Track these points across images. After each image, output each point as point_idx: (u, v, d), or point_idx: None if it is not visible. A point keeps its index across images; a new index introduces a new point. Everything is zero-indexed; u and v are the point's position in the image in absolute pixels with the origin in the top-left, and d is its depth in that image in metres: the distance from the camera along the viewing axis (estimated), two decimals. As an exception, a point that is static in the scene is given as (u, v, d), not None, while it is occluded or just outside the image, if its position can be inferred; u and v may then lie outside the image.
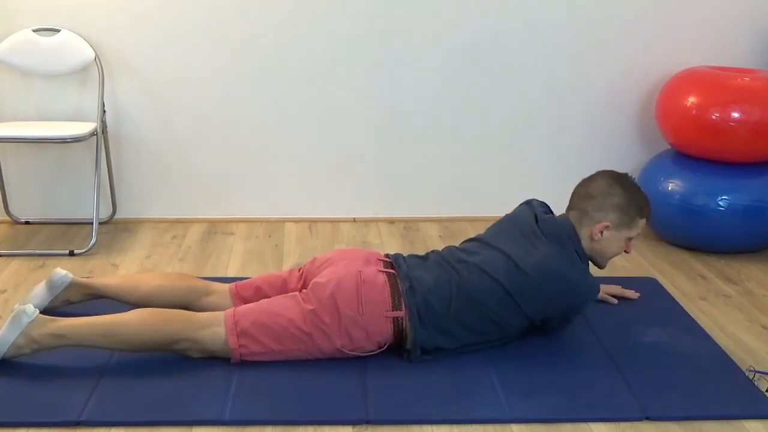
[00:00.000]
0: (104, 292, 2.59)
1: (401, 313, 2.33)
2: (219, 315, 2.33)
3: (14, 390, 2.20)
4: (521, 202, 2.67)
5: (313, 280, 2.39)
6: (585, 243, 2.47)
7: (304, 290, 2.40)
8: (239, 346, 2.29)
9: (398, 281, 2.38)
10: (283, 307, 2.33)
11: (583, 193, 2.51)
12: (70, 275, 2.60)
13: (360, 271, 2.37)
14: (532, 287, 2.35)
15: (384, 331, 2.34)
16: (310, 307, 2.31)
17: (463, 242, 2.63)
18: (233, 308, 2.36)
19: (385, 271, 2.41)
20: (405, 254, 2.55)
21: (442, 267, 2.44)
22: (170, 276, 2.67)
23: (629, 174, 2.55)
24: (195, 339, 2.30)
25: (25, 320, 2.23)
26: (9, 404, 2.14)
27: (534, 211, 2.54)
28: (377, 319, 2.32)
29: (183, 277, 2.65)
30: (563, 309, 2.44)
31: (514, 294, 2.35)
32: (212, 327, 2.30)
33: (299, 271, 2.58)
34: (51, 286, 2.59)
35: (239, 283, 2.59)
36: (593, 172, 3.68)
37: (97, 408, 2.13)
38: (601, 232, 2.45)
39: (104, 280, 2.65)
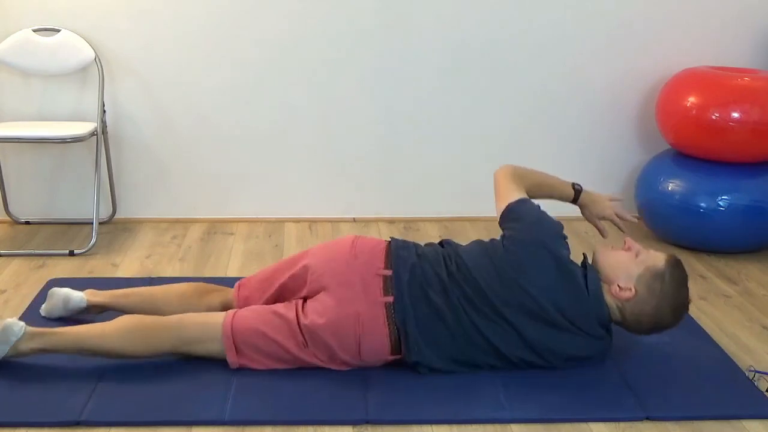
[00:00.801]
0: (123, 311, 2.52)
1: (401, 355, 2.29)
2: (214, 329, 2.28)
3: (14, 390, 2.20)
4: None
5: (309, 328, 2.24)
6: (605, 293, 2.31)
7: (300, 319, 2.26)
8: (239, 364, 2.28)
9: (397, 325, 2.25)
10: (280, 333, 2.26)
11: None
12: (85, 300, 2.56)
13: (359, 315, 2.24)
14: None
15: (383, 363, 2.32)
16: (305, 348, 2.27)
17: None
18: (230, 323, 2.28)
19: (385, 304, 2.26)
20: (413, 254, 2.36)
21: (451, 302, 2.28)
22: (187, 296, 2.54)
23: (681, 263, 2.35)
24: (192, 352, 2.30)
25: (12, 339, 2.23)
26: (9, 404, 2.14)
27: None
28: (376, 360, 2.30)
29: (201, 295, 2.53)
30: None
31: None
32: (206, 342, 2.29)
33: (298, 268, 2.46)
34: (66, 307, 2.57)
35: (242, 285, 2.52)
36: (593, 172, 3.71)
37: (97, 408, 2.13)
38: (619, 288, 2.29)
39: (123, 300, 2.56)
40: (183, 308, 2.46)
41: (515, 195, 2.42)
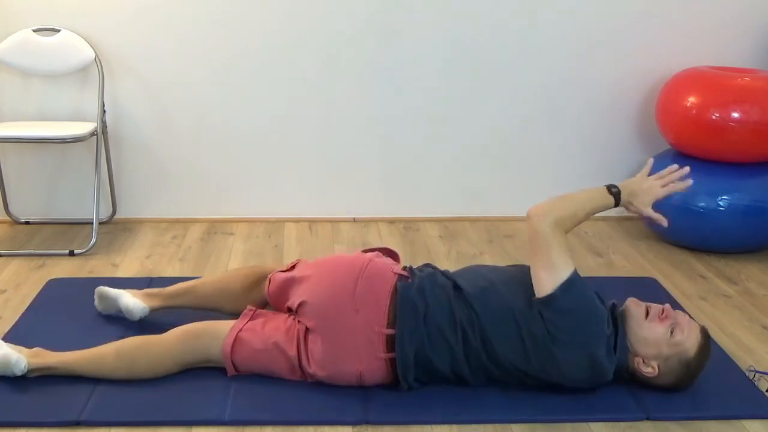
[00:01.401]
0: (177, 306, 2.58)
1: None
2: (214, 354, 2.26)
3: (14, 390, 2.20)
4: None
5: (310, 372, 2.21)
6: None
7: (300, 354, 2.22)
8: (236, 373, 2.29)
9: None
10: (281, 368, 2.25)
11: None
12: (147, 308, 2.54)
13: (360, 372, 2.19)
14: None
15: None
16: (308, 381, 2.26)
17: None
18: (229, 349, 2.24)
19: (387, 359, 2.19)
20: (422, 312, 2.20)
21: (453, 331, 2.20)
22: (238, 293, 2.53)
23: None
24: (191, 368, 2.30)
25: (17, 373, 2.23)
26: (9, 404, 2.14)
27: None
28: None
29: (251, 291, 2.52)
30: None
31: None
32: (208, 363, 2.29)
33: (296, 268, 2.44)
34: (130, 316, 2.55)
35: (273, 279, 2.45)
36: (593, 172, 3.71)
37: (97, 408, 2.13)
38: (643, 362, 2.22)
39: (176, 302, 2.57)
40: (235, 306, 2.48)
41: (562, 270, 2.15)
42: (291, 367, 2.25)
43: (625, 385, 2.28)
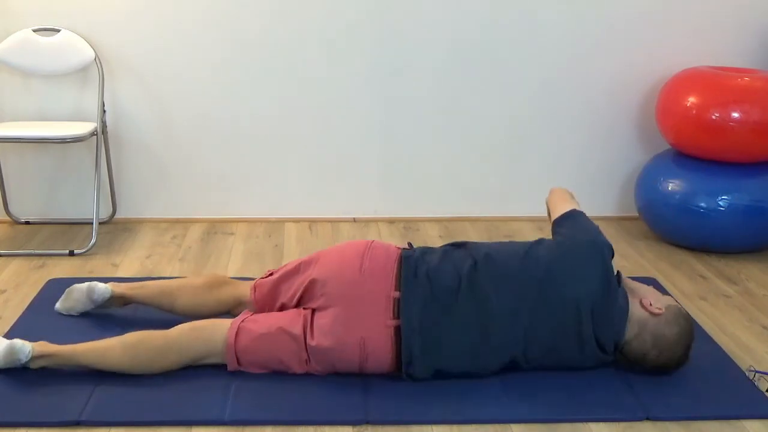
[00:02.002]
0: (143, 302, 2.60)
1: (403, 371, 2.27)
2: (218, 345, 2.28)
3: (14, 390, 2.20)
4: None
5: (314, 348, 2.23)
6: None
7: (306, 334, 2.25)
8: (237, 368, 2.29)
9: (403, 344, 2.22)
10: (285, 350, 2.26)
11: None
12: (110, 289, 2.59)
13: (364, 340, 2.21)
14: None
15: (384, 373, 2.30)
16: (307, 364, 2.27)
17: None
18: (233, 338, 2.26)
19: (393, 327, 2.22)
20: (424, 272, 2.28)
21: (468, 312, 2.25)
22: (200, 289, 2.56)
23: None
24: (193, 364, 2.30)
25: (23, 359, 2.25)
26: (9, 404, 2.14)
27: None
28: (378, 372, 2.29)
29: (212, 289, 2.56)
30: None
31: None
32: (210, 357, 2.30)
33: (308, 274, 2.42)
34: (91, 299, 2.59)
35: (258, 286, 2.50)
36: (593, 171, 3.72)
37: (97, 408, 2.13)
38: (650, 303, 2.33)
39: (141, 291, 2.60)
40: (195, 301, 2.52)
41: (574, 205, 2.52)
42: (296, 350, 2.25)
43: (625, 384, 2.29)
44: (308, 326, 2.26)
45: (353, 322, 2.22)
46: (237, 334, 2.27)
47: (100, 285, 2.60)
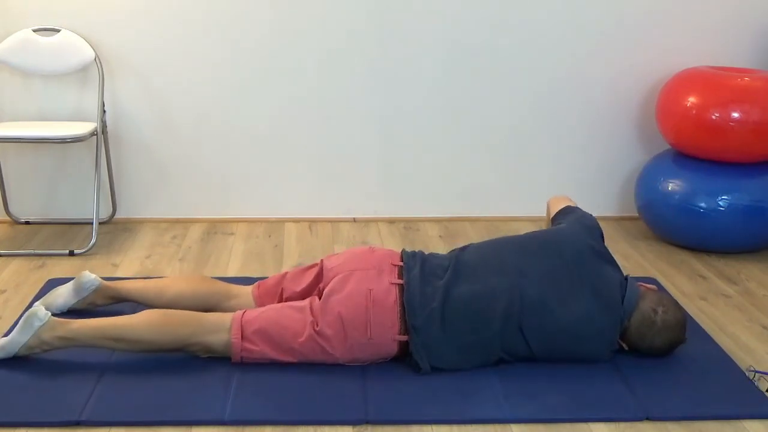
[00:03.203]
0: (129, 297, 2.61)
1: (408, 337, 2.30)
2: (227, 319, 2.33)
3: (14, 390, 2.20)
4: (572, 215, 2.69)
5: (322, 299, 2.33)
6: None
7: (313, 305, 2.34)
8: (242, 350, 2.30)
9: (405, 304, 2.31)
10: (291, 319, 2.32)
11: None
12: (99, 279, 2.61)
13: (370, 290, 2.31)
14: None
15: (389, 351, 2.33)
16: (316, 328, 2.29)
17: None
18: (241, 313, 2.35)
19: (398, 284, 2.34)
20: (426, 255, 2.49)
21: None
22: (192, 280, 2.65)
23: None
24: (203, 343, 2.31)
25: (37, 324, 2.26)
26: (9, 404, 2.14)
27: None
28: (384, 341, 2.30)
29: (205, 281, 2.64)
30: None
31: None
32: (220, 332, 2.31)
33: (318, 267, 2.52)
34: (78, 289, 2.60)
35: (261, 283, 2.58)
36: (593, 171, 3.72)
37: (97, 408, 2.13)
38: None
39: (129, 285, 2.63)
40: (184, 292, 2.56)
41: (571, 203, 2.76)
42: (301, 317, 2.31)
43: (625, 384, 2.29)
44: (315, 301, 2.36)
45: (361, 276, 2.35)
46: (244, 312, 2.34)
47: (87, 275, 2.61)
